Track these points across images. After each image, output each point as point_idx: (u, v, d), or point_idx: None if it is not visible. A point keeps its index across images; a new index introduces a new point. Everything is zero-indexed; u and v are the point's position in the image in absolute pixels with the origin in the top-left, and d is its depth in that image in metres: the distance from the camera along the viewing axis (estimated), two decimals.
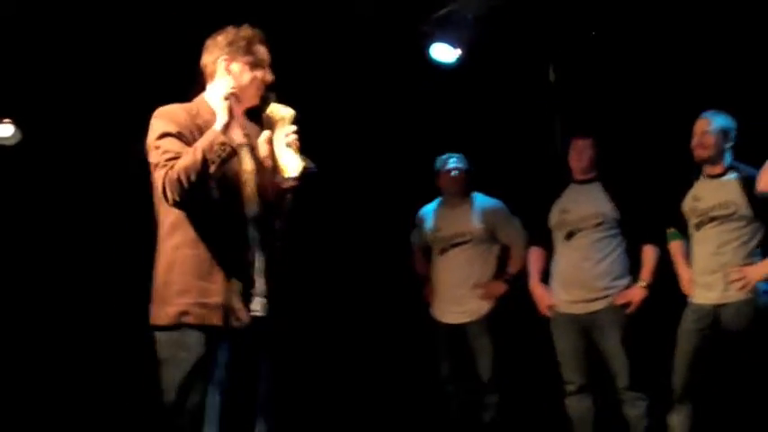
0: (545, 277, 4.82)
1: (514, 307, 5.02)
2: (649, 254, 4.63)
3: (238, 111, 2.96)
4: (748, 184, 4.27)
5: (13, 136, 5.71)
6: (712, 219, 4.33)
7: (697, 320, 4.32)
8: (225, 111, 2.84)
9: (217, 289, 2.82)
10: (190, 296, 2.81)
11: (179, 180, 2.73)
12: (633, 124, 5.12)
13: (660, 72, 5.06)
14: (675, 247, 4.53)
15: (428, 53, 5.24)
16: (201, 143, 2.77)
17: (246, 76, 2.94)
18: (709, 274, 4.32)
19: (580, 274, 4.64)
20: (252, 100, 2.98)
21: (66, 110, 5.52)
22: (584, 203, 4.70)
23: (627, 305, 4.59)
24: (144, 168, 2.89)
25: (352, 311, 5.78)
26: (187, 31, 3.50)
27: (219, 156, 2.75)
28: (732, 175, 4.36)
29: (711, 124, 4.37)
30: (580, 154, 4.77)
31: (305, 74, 4.77)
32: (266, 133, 2.94)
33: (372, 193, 5.72)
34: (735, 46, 4.81)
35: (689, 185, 4.46)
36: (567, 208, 4.74)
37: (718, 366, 4.36)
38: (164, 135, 2.83)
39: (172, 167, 2.75)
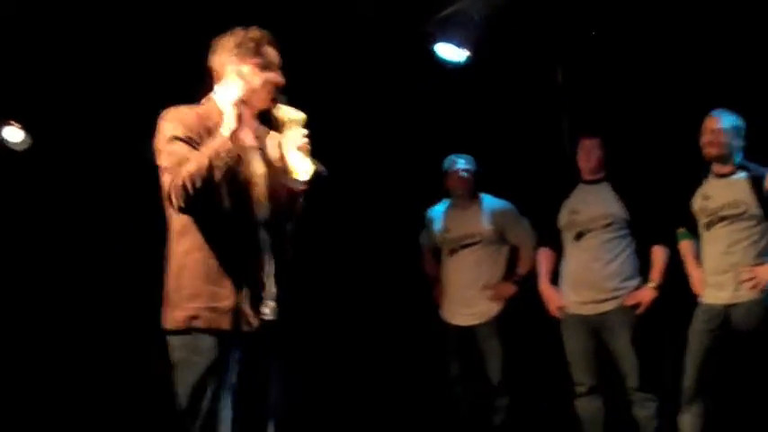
0: (554, 278, 4.82)
1: (524, 308, 5.01)
2: (659, 254, 4.62)
3: (249, 114, 2.94)
4: (758, 183, 4.28)
5: (23, 141, 5.72)
6: (722, 218, 4.32)
7: (707, 320, 4.31)
8: (233, 117, 2.81)
9: (226, 293, 2.81)
10: (200, 300, 2.80)
11: (184, 186, 2.72)
12: (641, 124, 5.11)
13: (668, 71, 5.05)
14: (686, 246, 4.52)
15: (435, 53, 5.23)
16: (208, 150, 2.75)
17: (257, 78, 2.91)
18: (720, 273, 4.31)
19: (590, 274, 4.63)
20: (262, 103, 2.95)
21: (75, 114, 5.53)
22: (594, 204, 4.69)
23: (636, 306, 4.58)
24: (154, 171, 2.88)
25: (362, 313, 5.78)
26: (194, 33, 3.49)
27: (226, 163, 2.74)
28: (741, 175, 4.35)
29: (723, 122, 4.35)
30: (588, 154, 4.77)
31: (312, 76, 4.75)
32: (276, 136, 2.94)
33: (381, 194, 5.72)
34: (742, 45, 4.79)
35: (698, 185, 4.45)
36: (576, 208, 4.73)
37: (728, 366, 4.35)
38: (171, 139, 2.81)
39: (178, 173, 2.74)
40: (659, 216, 4.61)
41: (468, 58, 5.18)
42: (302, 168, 2.87)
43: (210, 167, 2.71)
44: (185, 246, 2.85)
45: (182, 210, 2.78)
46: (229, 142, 2.77)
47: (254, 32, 2.95)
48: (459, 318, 5.10)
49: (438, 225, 5.24)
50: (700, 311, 4.36)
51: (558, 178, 4.97)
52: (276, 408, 2.93)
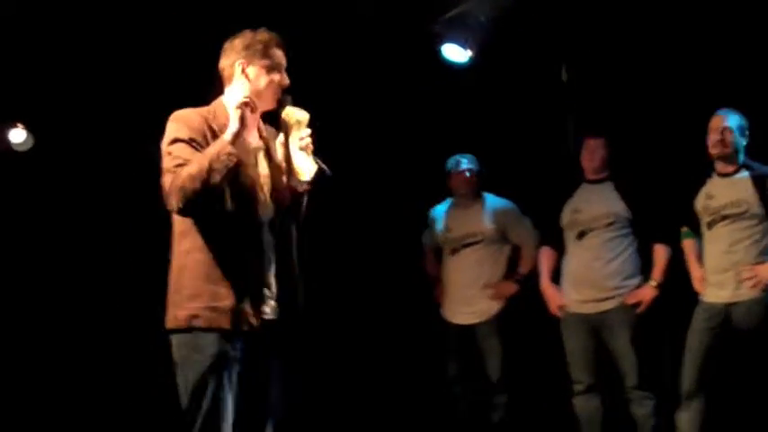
0: (556, 277, 4.83)
1: (525, 307, 5.02)
2: (660, 253, 4.63)
3: (255, 115, 2.96)
4: (761, 182, 4.29)
5: (25, 142, 5.74)
6: (724, 217, 4.33)
7: (708, 319, 4.33)
8: (236, 120, 2.82)
9: (227, 293, 2.82)
10: (200, 300, 2.82)
11: (183, 188, 2.73)
12: (645, 124, 5.11)
13: (672, 71, 5.05)
14: (688, 245, 4.53)
15: (440, 54, 5.26)
16: (209, 152, 2.76)
17: (263, 79, 2.93)
18: (721, 272, 4.32)
19: (591, 273, 4.65)
20: (269, 104, 2.97)
21: (78, 115, 5.53)
22: (596, 203, 4.71)
23: (637, 304, 4.59)
24: (158, 172, 2.89)
25: (363, 312, 5.78)
26: (202, 35, 3.52)
27: (226, 166, 2.75)
28: (744, 174, 4.36)
29: (729, 121, 4.36)
30: (592, 154, 4.78)
31: (317, 76, 4.77)
32: (281, 136, 2.95)
33: (384, 194, 5.71)
34: (747, 45, 4.80)
35: (701, 184, 4.46)
36: (578, 208, 4.75)
37: (728, 365, 4.36)
38: (175, 141, 2.83)
39: (178, 175, 2.75)
40: (661, 215, 4.62)
41: (473, 58, 5.20)
42: (306, 168, 2.89)
43: (210, 170, 2.72)
44: (186, 246, 2.86)
45: (180, 212, 2.79)
46: (230, 146, 2.77)
47: (263, 34, 2.97)
48: (459, 316, 5.12)
49: (440, 224, 5.25)
50: (700, 310, 4.37)
51: (562, 177, 4.99)
52: (276, 407, 2.94)
